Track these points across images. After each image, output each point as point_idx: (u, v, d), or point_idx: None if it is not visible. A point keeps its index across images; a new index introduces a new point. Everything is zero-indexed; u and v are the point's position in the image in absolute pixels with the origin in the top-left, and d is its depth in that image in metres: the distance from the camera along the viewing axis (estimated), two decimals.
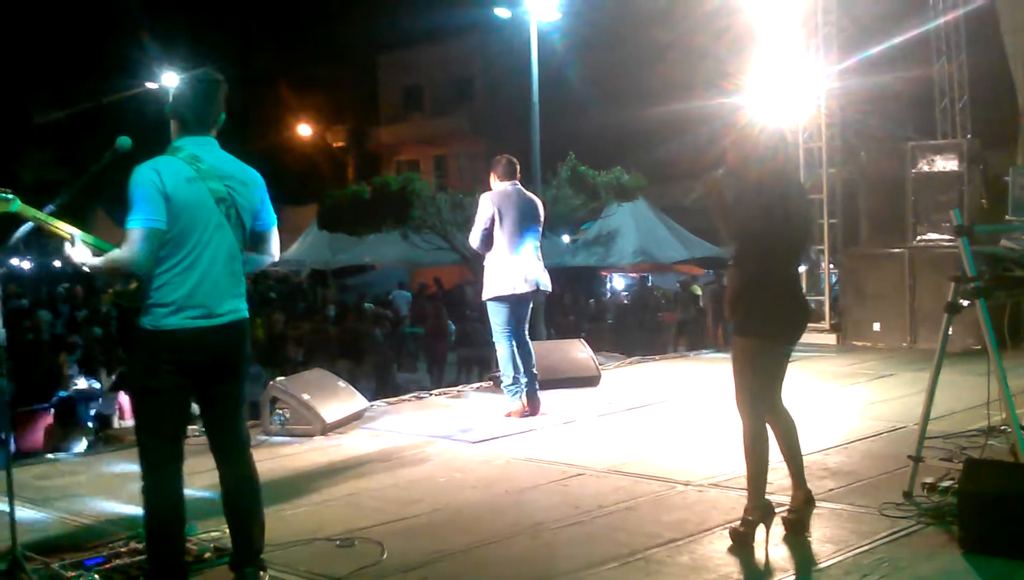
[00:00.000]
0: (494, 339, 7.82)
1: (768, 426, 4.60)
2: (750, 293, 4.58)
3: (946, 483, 5.04)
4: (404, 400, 9.06)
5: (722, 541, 4.61)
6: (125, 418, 10.53)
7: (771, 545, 4.50)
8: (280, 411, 7.37)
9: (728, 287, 4.82)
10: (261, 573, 4.10)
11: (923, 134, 13.24)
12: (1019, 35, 12.23)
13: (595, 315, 21.43)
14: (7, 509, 4.19)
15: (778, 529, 4.60)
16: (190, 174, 3.89)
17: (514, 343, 7.73)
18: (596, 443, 6.97)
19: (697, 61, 20.14)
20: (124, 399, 10.73)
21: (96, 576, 4.26)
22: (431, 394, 9.43)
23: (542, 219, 7.99)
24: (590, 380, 9.25)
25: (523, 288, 7.64)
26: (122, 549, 4.54)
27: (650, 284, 24.07)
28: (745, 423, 4.60)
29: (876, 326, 11.76)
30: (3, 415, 4.89)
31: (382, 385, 13.58)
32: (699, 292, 20.66)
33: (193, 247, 3.89)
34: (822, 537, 4.63)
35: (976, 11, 12.76)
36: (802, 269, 10.10)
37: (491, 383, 9.30)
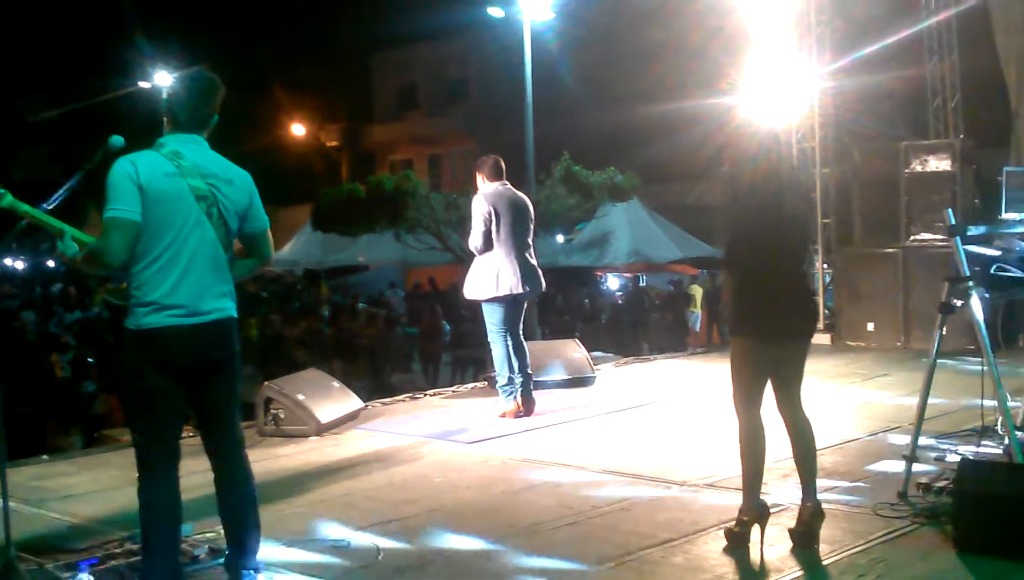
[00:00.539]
0: (489, 339, 7.81)
1: (785, 429, 4.58)
2: (742, 293, 4.59)
3: (940, 483, 5.06)
4: (399, 400, 9.05)
5: (717, 541, 4.62)
6: (118, 419, 10.50)
7: (766, 545, 4.51)
8: (275, 411, 7.36)
9: (723, 287, 4.83)
10: (256, 574, 4.10)
11: (916, 134, 13.25)
12: (1011, 35, 12.27)
13: (590, 315, 21.45)
14: (1, 509, 4.17)
15: (773, 529, 4.60)
16: (169, 169, 3.87)
17: (509, 343, 7.72)
18: (591, 443, 6.97)
19: (690, 61, 20.15)
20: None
21: (91, 577, 4.25)
22: (426, 394, 9.43)
23: (533, 218, 7.99)
24: (585, 380, 9.25)
25: (519, 288, 7.62)
26: (117, 550, 4.54)
27: (642, 284, 24.09)
28: (739, 422, 4.60)
29: (870, 326, 11.77)
30: None
31: (377, 385, 13.58)
32: (697, 292, 20.69)
33: (171, 243, 3.86)
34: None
35: (968, 11, 12.77)
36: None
37: (486, 383, 9.30)
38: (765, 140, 4.66)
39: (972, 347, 6.79)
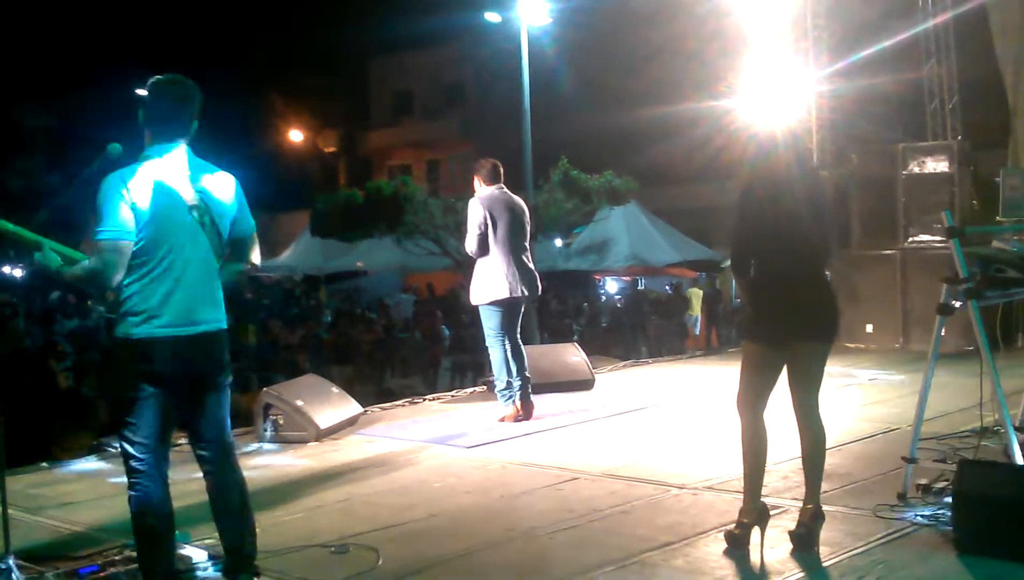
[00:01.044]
0: (487, 343, 7.81)
1: (797, 430, 4.58)
2: (750, 296, 4.62)
3: (940, 484, 5.05)
4: (398, 405, 9.05)
5: (717, 544, 4.61)
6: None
7: (766, 548, 4.50)
8: (274, 417, 7.36)
9: (737, 289, 4.87)
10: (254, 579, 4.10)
11: (913, 136, 13.28)
12: (1009, 37, 12.28)
13: (589, 319, 21.46)
14: (0, 517, 4.17)
15: (773, 531, 4.60)
16: (159, 182, 3.84)
17: (507, 347, 7.72)
18: (590, 447, 6.97)
19: (688, 65, 20.19)
20: None
21: None
22: (425, 399, 9.42)
23: (530, 222, 8.00)
24: (584, 384, 9.25)
25: (517, 292, 7.63)
26: (116, 557, 4.53)
27: (641, 287, 24.10)
28: (742, 424, 4.61)
29: (869, 328, 11.78)
30: None
31: (375, 390, 13.57)
32: (696, 295, 20.70)
33: (164, 255, 3.84)
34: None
35: (966, 13, 12.80)
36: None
37: (485, 388, 9.30)
38: (765, 142, 4.67)
39: (971, 348, 6.79)
